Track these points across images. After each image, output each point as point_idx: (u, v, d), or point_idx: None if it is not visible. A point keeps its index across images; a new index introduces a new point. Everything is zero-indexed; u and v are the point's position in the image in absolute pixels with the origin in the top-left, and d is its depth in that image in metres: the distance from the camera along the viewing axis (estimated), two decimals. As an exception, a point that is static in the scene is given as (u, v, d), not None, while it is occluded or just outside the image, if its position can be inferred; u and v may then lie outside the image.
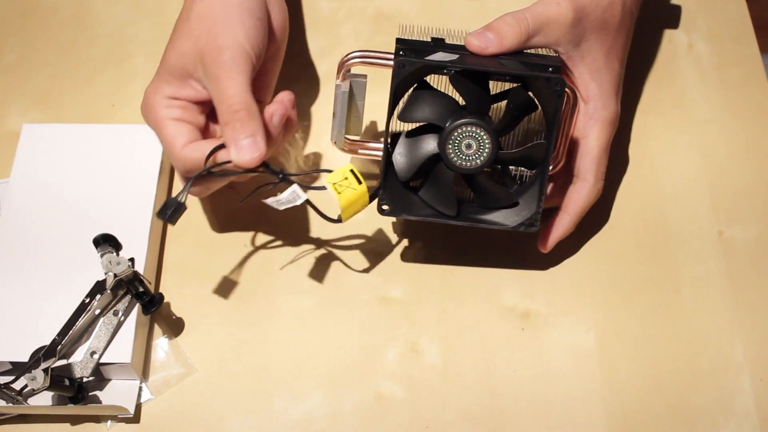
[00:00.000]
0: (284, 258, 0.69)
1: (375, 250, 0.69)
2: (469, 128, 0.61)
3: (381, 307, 0.67)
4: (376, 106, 0.67)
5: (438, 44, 0.62)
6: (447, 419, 0.63)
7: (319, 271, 0.68)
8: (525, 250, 0.68)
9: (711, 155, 0.74)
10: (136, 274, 0.63)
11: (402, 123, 0.63)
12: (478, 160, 0.62)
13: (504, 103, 0.63)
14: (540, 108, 0.63)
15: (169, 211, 0.58)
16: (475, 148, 0.61)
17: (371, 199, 0.62)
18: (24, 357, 0.60)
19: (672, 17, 0.81)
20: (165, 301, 0.66)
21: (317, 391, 0.64)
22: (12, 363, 0.62)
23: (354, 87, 0.64)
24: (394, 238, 0.70)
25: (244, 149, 0.58)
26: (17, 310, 0.64)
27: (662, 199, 0.72)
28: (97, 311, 0.63)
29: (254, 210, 0.70)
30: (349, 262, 0.69)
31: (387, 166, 0.63)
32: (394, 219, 0.70)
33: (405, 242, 0.70)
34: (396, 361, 0.65)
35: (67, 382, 0.61)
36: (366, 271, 0.69)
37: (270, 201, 0.60)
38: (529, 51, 0.63)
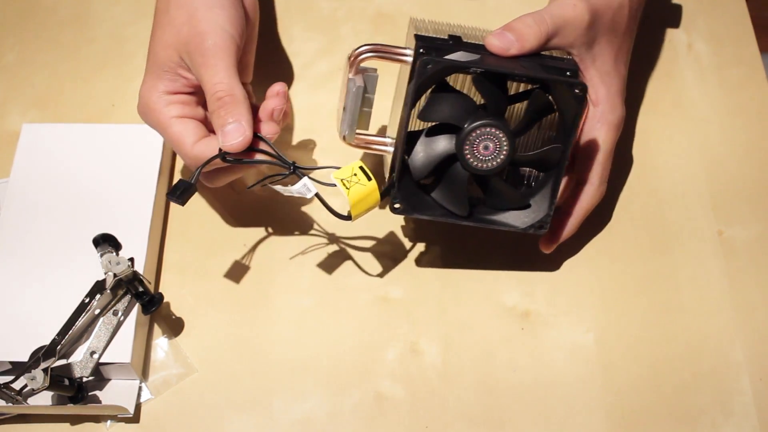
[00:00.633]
0: (284, 258, 0.69)
1: (375, 249, 0.69)
2: (488, 129, 0.60)
3: (381, 307, 0.67)
4: (378, 101, 0.67)
5: (457, 42, 0.61)
6: (447, 419, 0.63)
7: (319, 271, 0.68)
8: (525, 250, 0.68)
9: (711, 155, 0.73)
10: (135, 273, 0.63)
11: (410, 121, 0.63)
12: (494, 162, 0.61)
13: (518, 104, 0.62)
14: (557, 111, 0.62)
15: (179, 192, 0.58)
16: (492, 149, 0.61)
17: (383, 197, 0.61)
18: (24, 357, 0.60)
19: (672, 17, 0.81)
20: (165, 300, 0.66)
21: (317, 390, 0.64)
22: (12, 363, 0.62)
23: (366, 81, 0.63)
24: (394, 238, 0.70)
25: (229, 134, 0.59)
26: (17, 309, 0.64)
27: (662, 199, 0.72)
28: (97, 311, 0.63)
29: (254, 210, 0.70)
30: (349, 262, 0.69)
31: (401, 164, 0.62)
32: (396, 218, 0.70)
33: (405, 242, 0.70)
34: (396, 361, 0.65)
35: (66, 382, 0.61)
36: (366, 271, 0.68)
37: (278, 187, 0.60)
38: (544, 53, 0.63)
